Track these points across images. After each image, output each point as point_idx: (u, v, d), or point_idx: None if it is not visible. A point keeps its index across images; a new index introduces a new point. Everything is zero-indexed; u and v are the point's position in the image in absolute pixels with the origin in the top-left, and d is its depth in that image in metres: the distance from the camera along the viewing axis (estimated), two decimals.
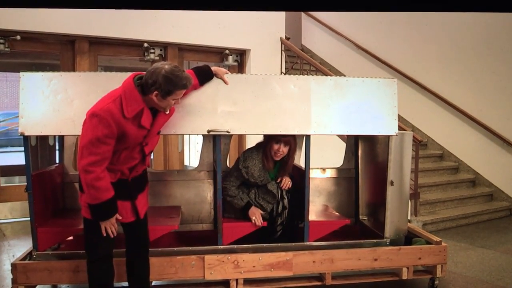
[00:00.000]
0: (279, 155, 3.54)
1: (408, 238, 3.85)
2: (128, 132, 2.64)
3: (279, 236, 3.60)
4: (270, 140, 3.54)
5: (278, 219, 3.59)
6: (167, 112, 2.85)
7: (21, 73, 3.15)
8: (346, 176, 4.37)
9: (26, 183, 3.19)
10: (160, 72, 2.61)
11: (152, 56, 6.30)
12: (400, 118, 6.41)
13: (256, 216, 3.50)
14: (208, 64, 3.43)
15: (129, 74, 2.77)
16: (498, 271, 4.31)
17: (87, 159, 2.55)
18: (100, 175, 2.59)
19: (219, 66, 3.54)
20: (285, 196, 3.61)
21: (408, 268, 3.60)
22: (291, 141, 3.54)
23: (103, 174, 2.61)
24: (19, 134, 3.12)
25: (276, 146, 3.51)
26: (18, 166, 6.31)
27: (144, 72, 2.71)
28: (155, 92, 2.63)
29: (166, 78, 2.61)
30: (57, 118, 3.13)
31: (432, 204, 6.11)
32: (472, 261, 4.60)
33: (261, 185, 3.60)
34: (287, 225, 3.61)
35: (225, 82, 3.35)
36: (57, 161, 3.91)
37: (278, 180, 3.63)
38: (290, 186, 3.63)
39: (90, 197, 2.64)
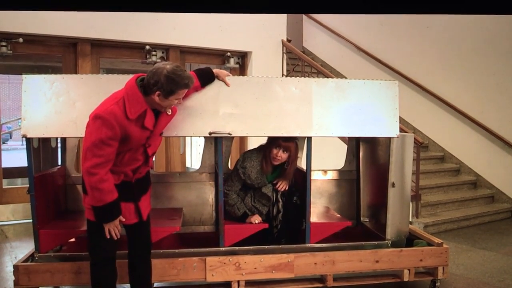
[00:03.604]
0: (277, 160, 3.53)
1: (410, 240, 3.85)
2: (132, 133, 2.65)
3: (277, 238, 3.61)
4: (271, 144, 3.54)
5: (273, 222, 3.60)
6: (169, 113, 2.86)
7: (23, 76, 3.17)
8: (348, 178, 4.37)
9: (28, 185, 3.20)
10: (162, 72, 2.62)
11: (154, 58, 6.32)
12: (401, 120, 6.41)
13: (256, 219, 3.53)
14: (210, 67, 3.45)
15: (131, 76, 2.79)
16: (500, 273, 4.30)
17: (90, 161, 2.56)
18: (104, 177, 2.59)
19: (220, 69, 3.55)
20: (280, 200, 3.62)
21: (409, 270, 3.60)
22: (291, 148, 3.52)
23: (106, 176, 2.61)
24: (22, 136, 3.14)
25: (275, 151, 3.50)
26: (21, 168, 6.32)
27: (146, 74, 2.72)
28: (157, 92, 2.64)
29: (168, 78, 2.62)
30: (59, 120, 3.14)
31: (433, 206, 6.11)
32: (473, 263, 4.60)
33: (258, 188, 3.61)
34: (283, 228, 3.61)
35: (227, 84, 3.36)
36: (59, 163, 3.92)
37: (274, 182, 3.63)
38: (286, 188, 3.63)
39: (94, 199, 2.64)
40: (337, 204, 4.36)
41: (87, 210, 2.74)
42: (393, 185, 3.61)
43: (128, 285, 3.06)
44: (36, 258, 3.25)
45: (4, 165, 5.72)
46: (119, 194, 2.69)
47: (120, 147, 2.65)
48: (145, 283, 3.04)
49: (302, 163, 4.18)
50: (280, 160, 3.52)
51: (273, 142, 3.51)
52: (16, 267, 3.17)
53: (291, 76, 6.67)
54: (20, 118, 3.18)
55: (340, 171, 4.39)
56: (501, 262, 4.62)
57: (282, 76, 7.05)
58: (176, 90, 2.67)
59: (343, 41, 8.96)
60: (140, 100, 2.65)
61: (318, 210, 4.10)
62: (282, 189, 3.61)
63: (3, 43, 5.40)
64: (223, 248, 3.43)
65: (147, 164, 2.90)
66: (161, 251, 3.34)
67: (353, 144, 4.34)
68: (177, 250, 3.42)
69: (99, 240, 2.76)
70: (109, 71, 7.23)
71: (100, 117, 2.57)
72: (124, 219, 2.79)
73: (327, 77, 6.15)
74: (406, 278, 3.60)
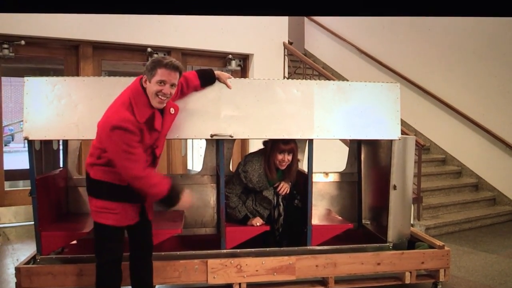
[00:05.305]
0: (284, 164, 3.53)
1: (411, 242, 3.85)
2: (144, 135, 2.69)
3: (278, 241, 3.60)
4: (272, 151, 3.52)
5: (274, 225, 3.60)
6: (172, 112, 2.89)
7: (25, 78, 3.18)
8: (349, 180, 4.37)
9: (30, 187, 3.21)
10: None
11: None
12: (403, 123, 6.42)
13: (257, 222, 3.53)
14: (212, 69, 3.46)
15: (132, 78, 2.80)
16: (501, 276, 4.29)
17: (131, 169, 2.61)
18: (148, 175, 2.67)
19: (222, 71, 3.56)
20: (281, 203, 3.61)
21: (411, 272, 3.59)
22: (294, 148, 3.53)
23: (149, 173, 2.69)
24: (23, 139, 3.14)
25: (280, 157, 3.49)
26: (22, 170, 6.33)
27: None
28: (144, 77, 2.69)
29: (152, 60, 2.73)
30: (61, 123, 3.16)
31: (435, 208, 6.10)
32: (475, 265, 4.59)
33: (259, 191, 3.61)
34: (284, 231, 3.61)
35: (228, 87, 3.37)
36: (61, 165, 3.92)
37: (276, 185, 3.62)
38: (287, 191, 3.63)
39: (156, 195, 2.72)
40: (339, 207, 4.36)
41: (94, 212, 2.75)
42: (394, 187, 3.61)
43: (130, 287, 3.06)
44: (38, 260, 3.26)
45: (6, 167, 5.72)
46: (127, 195, 2.71)
47: None
48: (147, 285, 3.04)
49: (303, 166, 4.18)
50: (288, 162, 3.53)
51: (274, 148, 3.50)
52: (18, 269, 3.18)
53: (292, 79, 6.67)
54: (22, 121, 3.19)
55: (341, 174, 4.39)
56: (502, 265, 4.61)
57: (284, 78, 7.06)
58: (156, 68, 2.68)
59: (344, 43, 8.97)
60: (146, 103, 2.68)
61: (320, 212, 4.10)
62: (284, 193, 3.61)
63: (5, 46, 5.41)
64: (225, 251, 3.43)
65: (154, 165, 2.91)
66: (163, 253, 3.34)
67: (355, 146, 4.34)
68: (178, 252, 3.42)
69: (105, 242, 2.77)
70: (110, 73, 7.23)
71: (119, 127, 2.57)
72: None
73: (329, 80, 6.15)
74: (407, 281, 3.60)
